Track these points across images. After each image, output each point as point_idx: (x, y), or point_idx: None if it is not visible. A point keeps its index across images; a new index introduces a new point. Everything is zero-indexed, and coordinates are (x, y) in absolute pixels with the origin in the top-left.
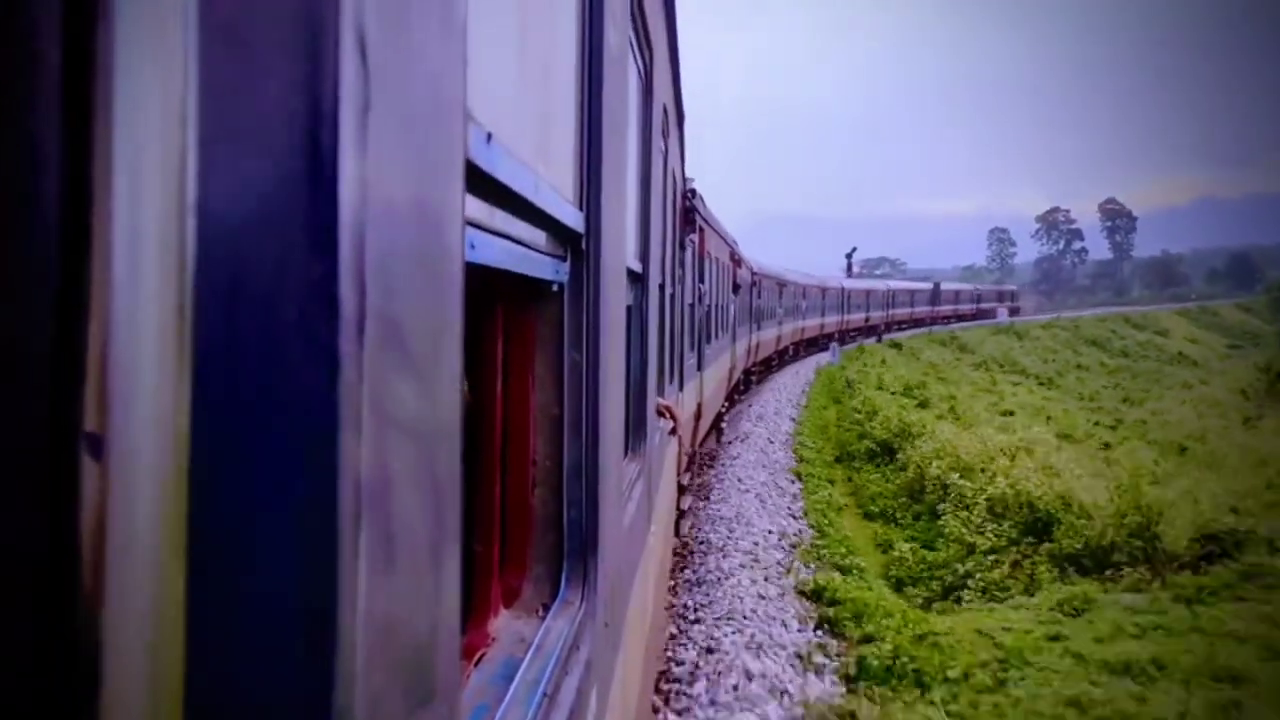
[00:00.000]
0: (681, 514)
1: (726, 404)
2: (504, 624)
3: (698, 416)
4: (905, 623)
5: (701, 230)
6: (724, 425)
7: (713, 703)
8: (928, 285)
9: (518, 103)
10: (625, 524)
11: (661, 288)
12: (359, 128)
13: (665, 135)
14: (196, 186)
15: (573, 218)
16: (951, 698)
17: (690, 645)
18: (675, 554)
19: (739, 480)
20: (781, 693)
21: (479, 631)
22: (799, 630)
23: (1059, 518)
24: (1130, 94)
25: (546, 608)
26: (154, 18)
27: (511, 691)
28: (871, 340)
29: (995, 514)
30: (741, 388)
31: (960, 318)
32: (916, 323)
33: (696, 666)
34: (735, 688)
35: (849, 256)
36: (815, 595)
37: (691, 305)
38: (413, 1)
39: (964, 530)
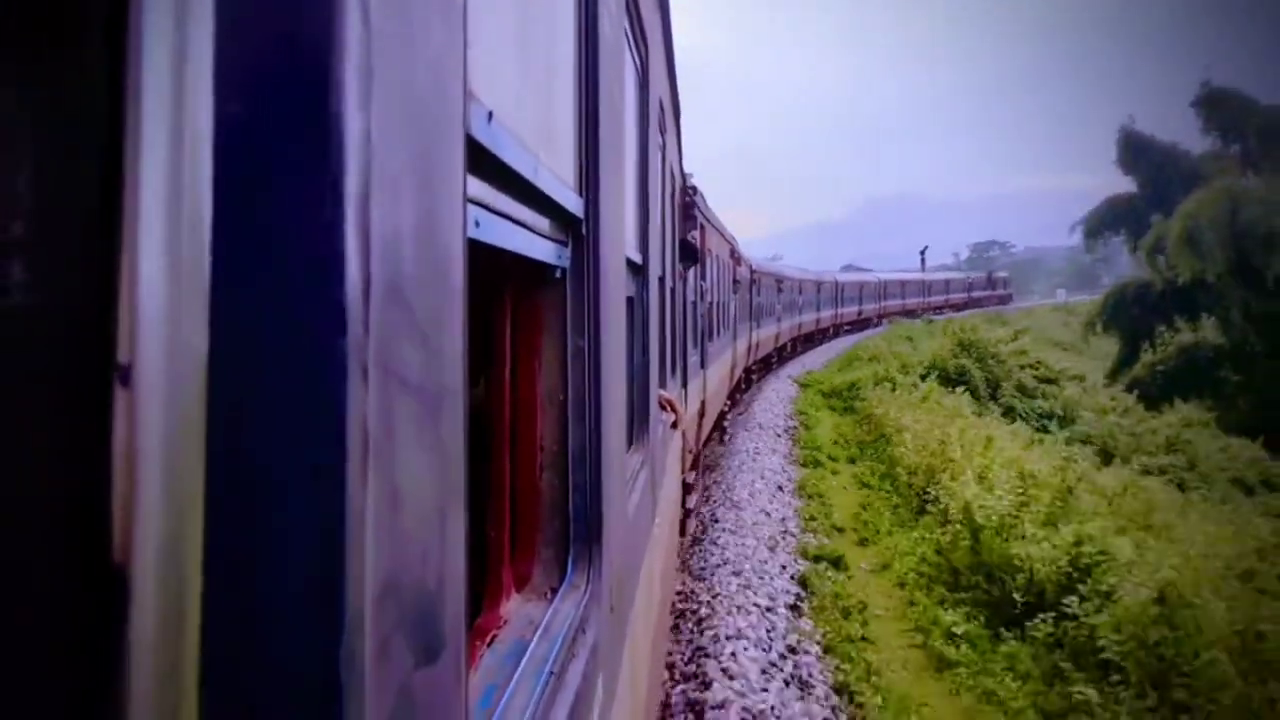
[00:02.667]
0: (687, 514)
1: (729, 403)
2: (516, 606)
3: (701, 415)
4: None
5: (702, 227)
6: (726, 424)
7: None
8: (920, 276)
9: (517, 86)
10: (630, 513)
11: (662, 281)
12: (363, 91)
13: (663, 130)
14: (212, 140)
15: (573, 203)
16: None
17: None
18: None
19: None
20: None
21: (492, 614)
22: None
23: None
24: None
25: (554, 591)
26: None
27: (519, 670)
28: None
29: None
30: (743, 386)
31: (953, 307)
32: (909, 313)
33: None
34: None
35: (922, 254)
36: None
37: (693, 302)
38: None
39: None
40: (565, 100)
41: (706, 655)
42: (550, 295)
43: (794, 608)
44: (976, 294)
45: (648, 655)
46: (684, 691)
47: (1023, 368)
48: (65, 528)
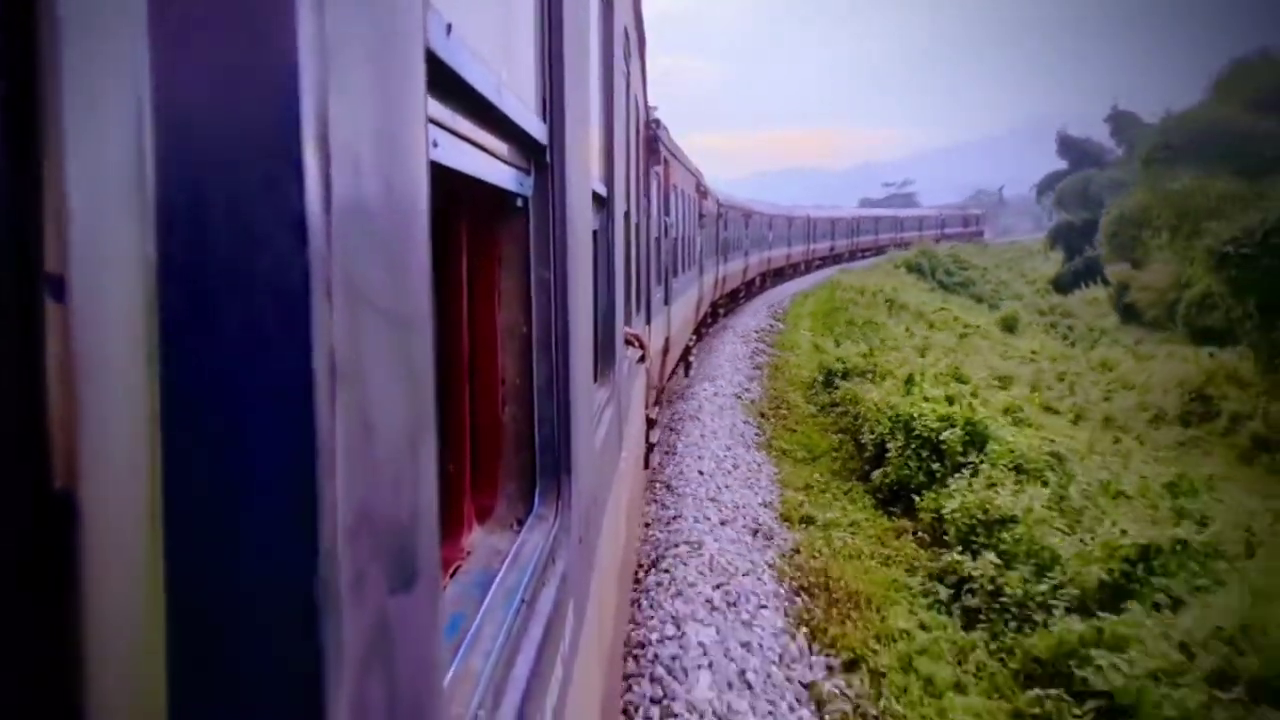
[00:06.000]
0: (651, 448)
1: (694, 338)
2: (479, 539)
3: (665, 351)
4: None
5: (667, 161)
6: (692, 359)
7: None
8: (893, 213)
9: (475, 1)
10: (597, 446)
11: (627, 215)
12: None
13: (627, 58)
14: (149, 37)
15: (537, 128)
16: None
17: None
18: None
19: None
20: None
21: (453, 546)
22: None
23: None
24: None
25: (521, 522)
26: None
27: (489, 599)
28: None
29: None
30: (709, 321)
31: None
32: (880, 249)
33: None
34: None
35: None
36: None
37: (658, 238)
38: None
39: None
40: (526, 18)
41: None
42: (512, 225)
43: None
44: (949, 230)
45: (615, 586)
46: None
47: (953, 263)
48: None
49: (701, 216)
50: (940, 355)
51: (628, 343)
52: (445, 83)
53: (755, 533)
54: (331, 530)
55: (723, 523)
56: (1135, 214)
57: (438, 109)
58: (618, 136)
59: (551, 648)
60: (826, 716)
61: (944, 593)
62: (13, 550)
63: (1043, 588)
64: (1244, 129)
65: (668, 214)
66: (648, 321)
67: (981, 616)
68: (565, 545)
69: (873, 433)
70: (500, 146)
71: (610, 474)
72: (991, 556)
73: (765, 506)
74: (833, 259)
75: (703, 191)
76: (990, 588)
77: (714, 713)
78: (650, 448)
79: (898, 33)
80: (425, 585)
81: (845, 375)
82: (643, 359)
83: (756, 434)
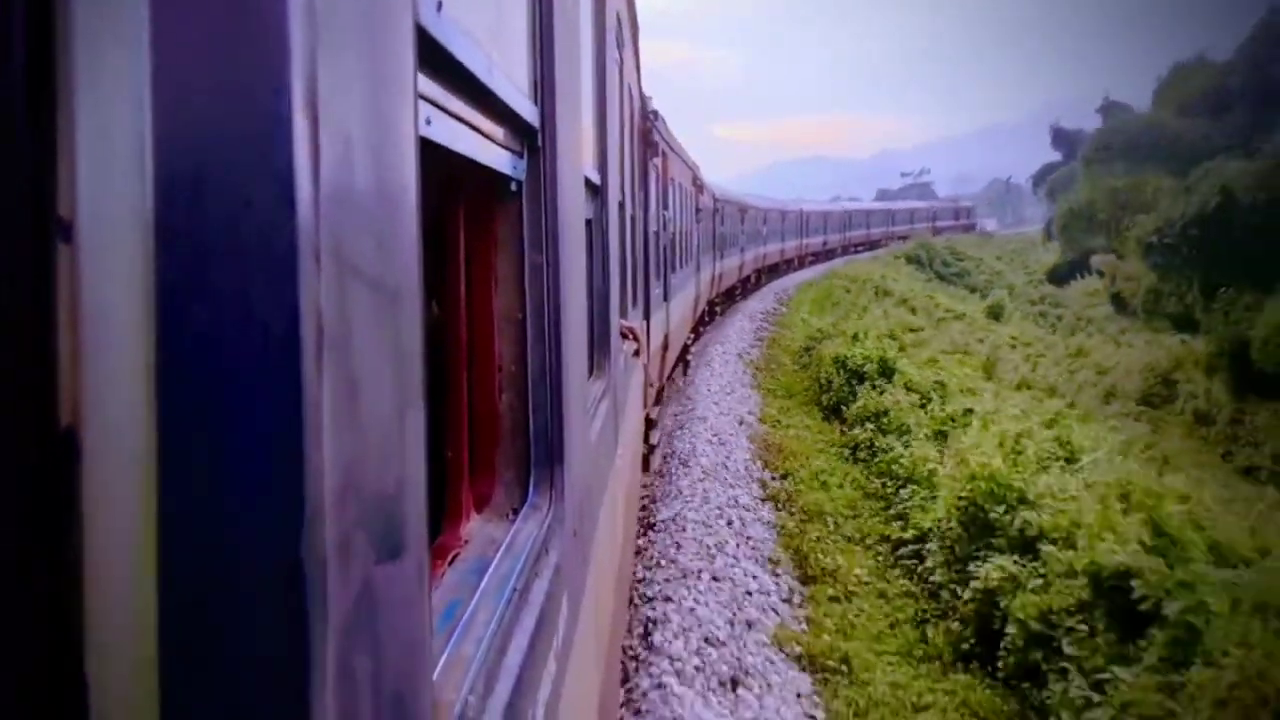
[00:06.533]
0: (651, 449)
1: (692, 336)
2: (476, 527)
3: (665, 349)
4: None
5: (665, 154)
6: (690, 358)
7: None
8: (885, 206)
9: None
10: (592, 439)
11: (621, 206)
12: None
13: (620, 46)
14: (155, 22)
15: (529, 111)
16: None
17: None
18: None
19: None
20: None
21: (453, 534)
22: None
23: None
24: None
25: (516, 511)
26: None
27: (482, 587)
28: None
29: None
30: (706, 319)
31: (917, 236)
32: (873, 244)
33: None
34: None
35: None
36: None
37: (656, 232)
38: None
39: None
40: (518, 2)
41: None
42: (507, 209)
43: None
44: (941, 224)
45: (612, 587)
46: None
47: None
48: (5, 389)
49: (698, 211)
50: (903, 329)
51: (623, 336)
52: (436, 59)
53: (741, 422)
54: (317, 489)
55: (721, 415)
56: (1081, 209)
57: (428, 85)
58: (611, 124)
59: (544, 640)
60: (768, 490)
61: (845, 453)
62: (17, 486)
63: (895, 439)
64: (1174, 130)
65: (666, 208)
66: (646, 317)
67: (861, 457)
68: (559, 536)
69: (824, 371)
70: (492, 128)
71: (606, 469)
72: (871, 427)
73: (749, 414)
74: (825, 254)
75: (699, 185)
76: (869, 444)
77: (703, 469)
78: (650, 449)
79: (917, 18)
80: (412, 556)
81: (819, 341)
82: (638, 353)
83: (751, 379)
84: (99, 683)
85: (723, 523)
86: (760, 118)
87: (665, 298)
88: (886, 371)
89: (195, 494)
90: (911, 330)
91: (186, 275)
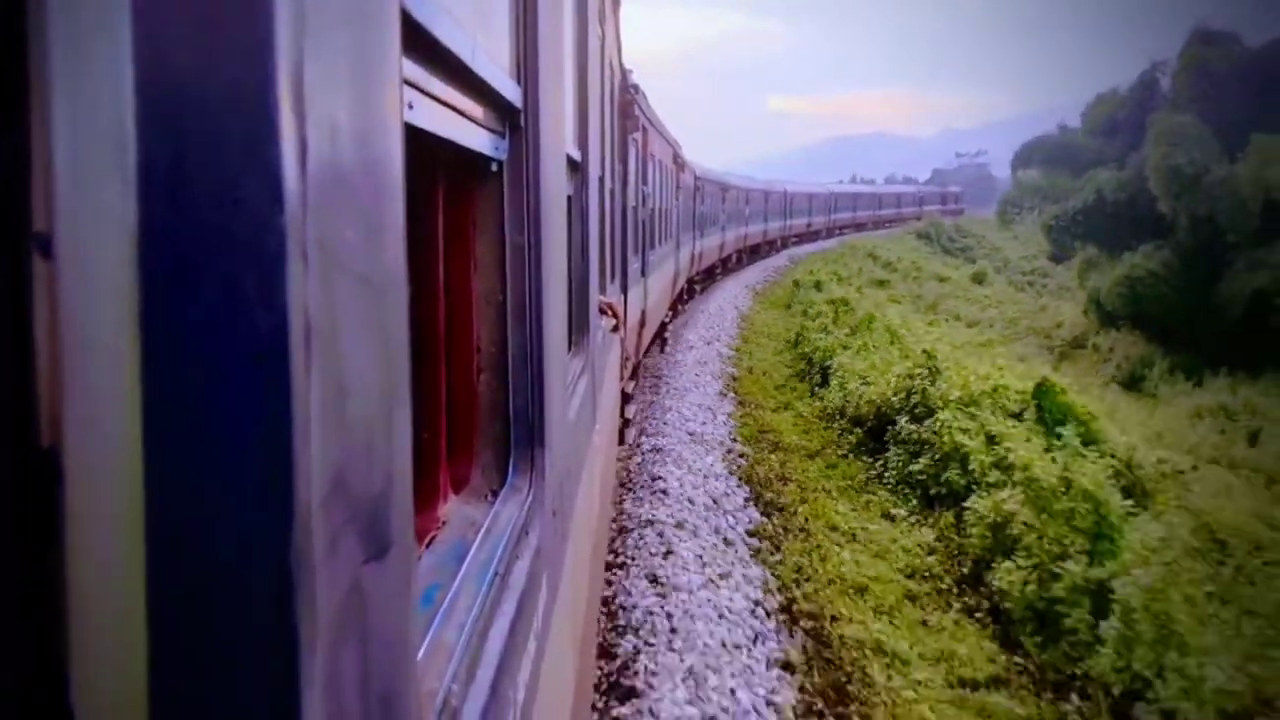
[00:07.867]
0: (626, 423)
1: (670, 313)
2: (454, 509)
3: (642, 324)
4: None
5: (645, 130)
6: (668, 335)
7: None
8: (871, 188)
9: None
10: (571, 417)
11: (601, 181)
12: None
13: (601, 21)
14: (136, 15)
15: (511, 91)
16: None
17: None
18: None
19: None
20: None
21: (429, 515)
22: None
23: None
24: None
25: (495, 493)
26: None
27: (463, 571)
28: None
29: None
30: (685, 297)
31: (904, 220)
32: (859, 226)
33: None
34: None
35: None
36: None
37: (635, 208)
38: None
39: None
40: None
41: None
42: (487, 189)
43: None
44: (928, 208)
45: (588, 561)
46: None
47: (955, 232)
48: None
49: (679, 189)
50: (870, 282)
51: (601, 311)
52: (420, 43)
53: (736, 309)
54: (306, 492)
55: (707, 343)
56: (1013, 199)
57: (413, 69)
58: (592, 100)
59: (525, 622)
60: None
61: (792, 335)
62: None
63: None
64: (1079, 145)
65: (645, 184)
66: (623, 292)
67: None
68: (539, 517)
69: (799, 293)
70: (474, 109)
71: (584, 446)
72: (811, 325)
73: (727, 347)
74: (810, 236)
75: (680, 162)
76: (802, 330)
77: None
78: (626, 423)
79: None
80: (399, 555)
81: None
82: (616, 328)
83: (752, 296)
84: (85, 709)
85: (705, 367)
86: (818, 91)
87: (643, 273)
88: (843, 311)
89: (181, 516)
90: (880, 283)
91: (172, 285)
